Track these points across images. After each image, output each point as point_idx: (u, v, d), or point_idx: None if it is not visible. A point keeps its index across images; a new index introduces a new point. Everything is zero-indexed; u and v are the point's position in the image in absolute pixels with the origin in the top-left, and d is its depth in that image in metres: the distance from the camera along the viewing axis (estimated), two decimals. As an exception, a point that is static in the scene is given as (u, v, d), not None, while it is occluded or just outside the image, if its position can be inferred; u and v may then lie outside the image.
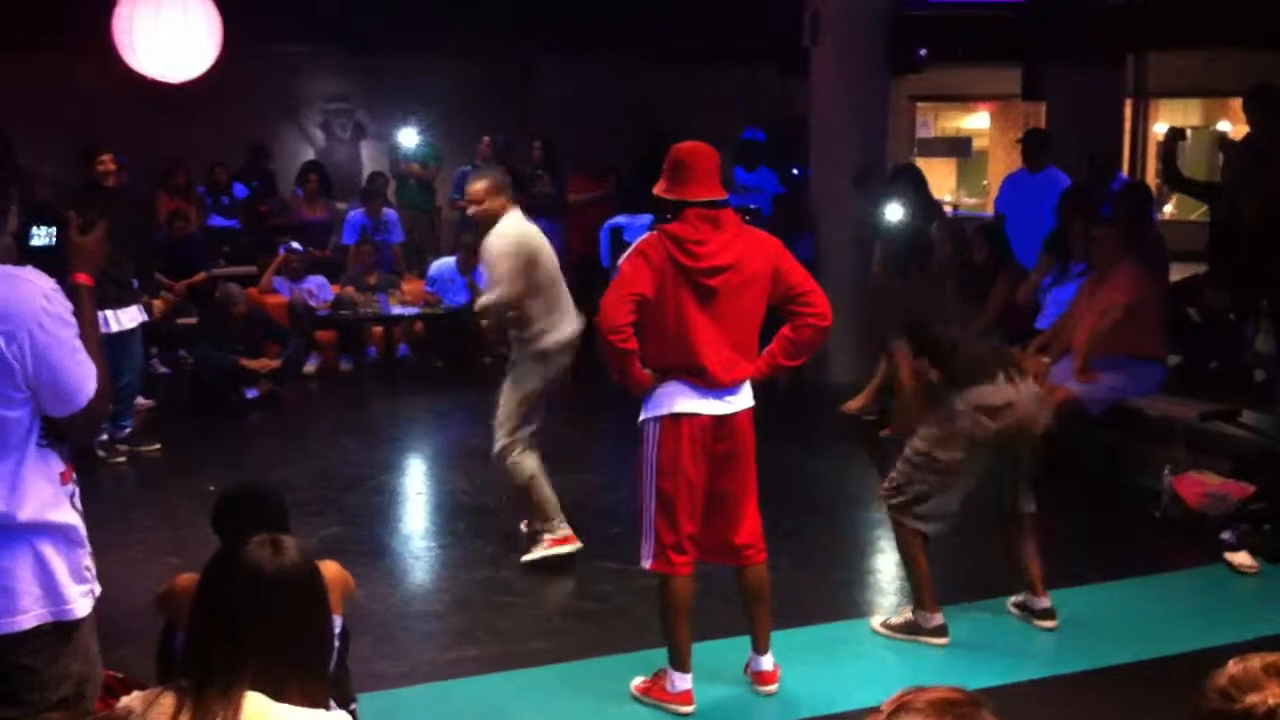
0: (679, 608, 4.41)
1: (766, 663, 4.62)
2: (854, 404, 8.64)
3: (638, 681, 4.58)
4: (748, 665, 4.65)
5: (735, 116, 12.84)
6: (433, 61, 13.19)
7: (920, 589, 5.05)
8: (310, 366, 10.37)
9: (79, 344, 2.65)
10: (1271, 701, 1.76)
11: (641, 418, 4.44)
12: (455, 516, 6.79)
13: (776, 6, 10.46)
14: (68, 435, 2.72)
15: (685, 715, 4.43)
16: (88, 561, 2.76)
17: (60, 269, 2.78)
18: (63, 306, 2.61)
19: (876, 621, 5.20)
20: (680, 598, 4.41)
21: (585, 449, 7.96)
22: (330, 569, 3.24)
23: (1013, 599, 5.35)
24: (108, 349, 8.79)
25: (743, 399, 4.43)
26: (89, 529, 2.81)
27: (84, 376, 2.64)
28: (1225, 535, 6.05)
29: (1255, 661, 1.83)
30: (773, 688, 4.59)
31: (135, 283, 7.78)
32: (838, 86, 9.87)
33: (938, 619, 5.02)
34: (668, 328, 4.34)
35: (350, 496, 7.07)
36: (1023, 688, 4.67)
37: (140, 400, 8.28)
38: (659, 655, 4.53)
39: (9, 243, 2.80)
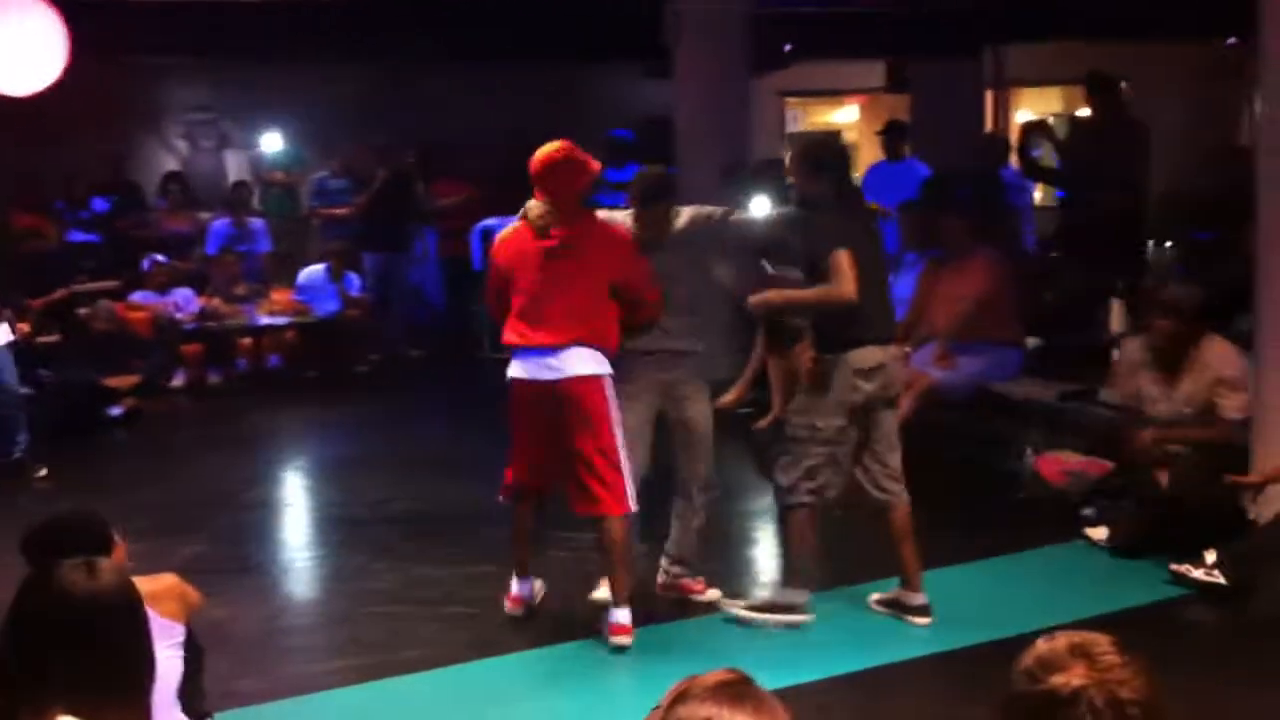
0: (519, 532, 5.20)
1: (623, 616, 4.84)
2: (728, 398, 8.66)
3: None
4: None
5: (602, 117, 12.82)
6: (300, 70, 12.96)
7: (795, 565, 5.04)
8: (177, 381, 10.14)
9: None
10: (1075, 683, 1.71)
11: None
12: (328, 529, 6.69)
13: (639, 8, 10.48)
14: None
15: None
16: None
17: None
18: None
19: (734, 604, 5.13)
20: (519, 525, 5.20)
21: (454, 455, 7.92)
22: (165, 580, 3.20)
23: (876, 596, 5.23)
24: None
25: (571, 366, 4.78)
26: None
27: None
28: (1085, 511, 6.19)
29: (1061, 641, 1.78)
30: (626, 639, 4.82)
31: None
32: (701, 85, 9.93)
33: (801, 596, 4.99)
34: (505, 301, 4.97)
35: (218, 513, 6.91)
36: (877, 673, 4.69)
37: None
38: (535, 655, 4.80)
39: None
